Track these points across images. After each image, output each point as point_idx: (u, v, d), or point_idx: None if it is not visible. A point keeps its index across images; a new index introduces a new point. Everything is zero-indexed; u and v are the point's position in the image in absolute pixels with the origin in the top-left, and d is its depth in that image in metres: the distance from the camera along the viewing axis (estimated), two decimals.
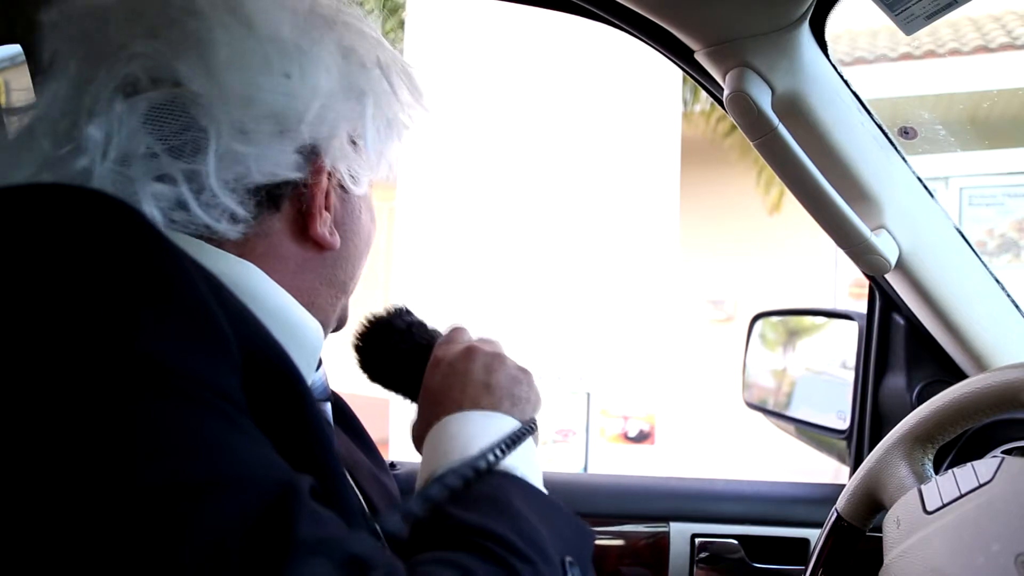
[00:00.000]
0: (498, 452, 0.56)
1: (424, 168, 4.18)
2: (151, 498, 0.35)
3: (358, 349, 0.75)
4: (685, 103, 5.61)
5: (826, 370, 1.50)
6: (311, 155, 0.60)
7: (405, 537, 0.46)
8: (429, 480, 0.59)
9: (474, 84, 4.09)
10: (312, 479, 0.41)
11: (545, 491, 0.60)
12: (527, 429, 0.63)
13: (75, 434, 0.36)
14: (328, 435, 0.49)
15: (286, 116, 0.56)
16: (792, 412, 1.53)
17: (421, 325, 0.76)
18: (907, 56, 5.04)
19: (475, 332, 0.76)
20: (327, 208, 0.63)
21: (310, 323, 0.62)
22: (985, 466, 0.68)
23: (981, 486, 0.67)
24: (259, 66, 0.55)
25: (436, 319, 0.78)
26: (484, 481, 0.54)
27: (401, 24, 4.39)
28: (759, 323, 1.58)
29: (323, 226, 0.62)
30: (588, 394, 4.05)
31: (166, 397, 0.38)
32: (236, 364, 0.43)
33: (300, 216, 0.61)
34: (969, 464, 0.70)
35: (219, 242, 0.57)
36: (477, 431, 0.61)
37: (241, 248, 0.58)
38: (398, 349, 0.74)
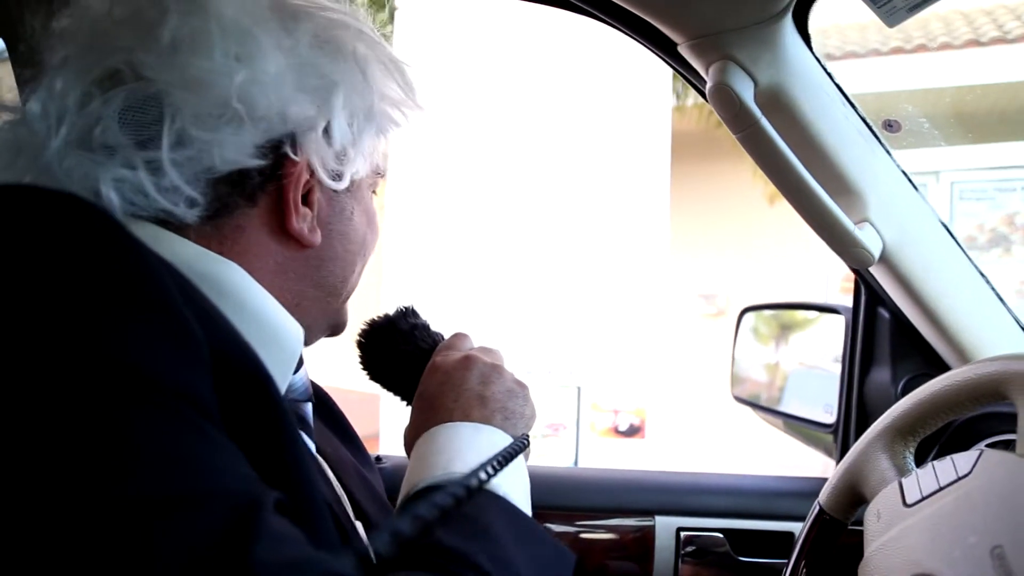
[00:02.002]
0: (489, 470, 0.55)
1: (413, 163, 4.16)
2: (108, 512, 0.34)
3: (360, 346, 0.75)
4: (678, 96, 5.59)
5: (816, 364, 1.51)
6: (279, 145, 0.58)
7: (393, 557, 0.45)
8: (411, 492, 0.58)
9: (464, 78, 4.08)
10: (278, 493, 0.40)
11: (527, 512, 0.60)
12: (520, 446, 0.62)
13: (33, 442, 0.35)
14: (299, 439, 0.48)
15: (241, 101, 0.55)
16: (780, 406, 1.53)
17: (425, 328, 0.75)
18: (898, 50, 5.05)
19: (477, 340, 0.75)
20: (309, 205, 0.62)
21: (290, 326, 0.61)
22: (964, 459, 0.68)
23: (959, 479, 0.67)
24: (207, 47, 0.55)
25: (435, 319, 0.77)
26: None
27: (391, 17, 4.37)
28: (747, 317, 1.58)
29: (301, 221, 0.61)
30: (579, 388, 4.05)
31: (132, 403, 0.37)
32: (207, 366, 0.42)
33: (277, 211, 0.60)
34: (949, 457, 0.70)
35: (198, 238, 0.57)
36: (464, 444, 0.60)
37: (220, 245, 0.58)
38: (399, 350, 0.73)
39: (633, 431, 4.11)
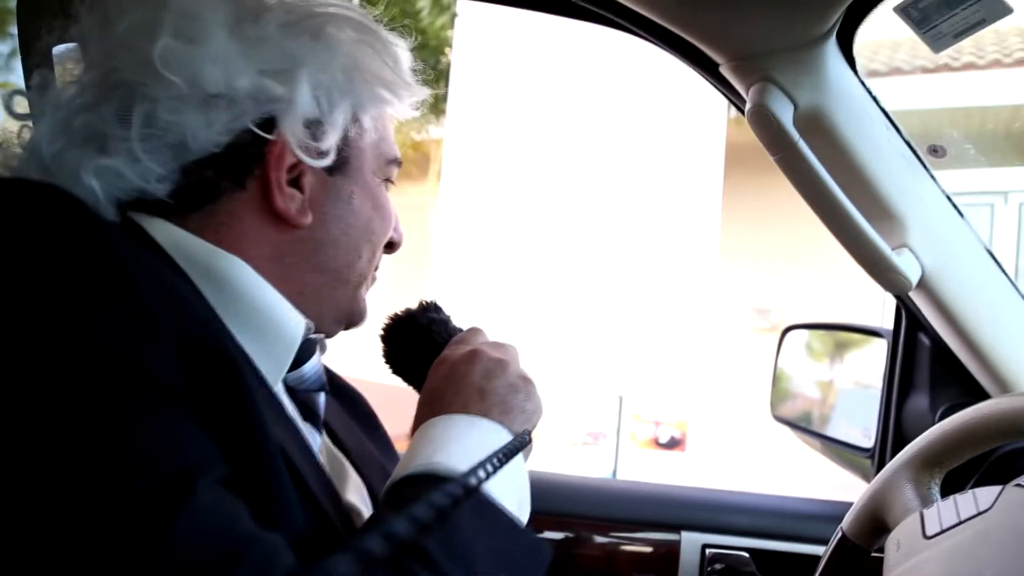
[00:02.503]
0: (488, 468, 0.53)
1: (466, 169, 4.21)
2: (47, 478, 0.38)
3: (382, 339, 0.76)
4: (739, 108, 5.51)
5: (870, 385, 1.48)
6: (251, 125, 0.60)
7: (387, 557, 0.45)
8: (393, 481, 0.59)
9: (520, 85, 4.11)
10: (226, 468, 0.43)
11: (518, 510, 0.60)
12: (519, 442, 0.61)
13: None
14: (268, 422, 0.50)
15: (194, 82, 0.57)
16: (825, 427, 1.51)
17: (443, 323, 0.76)
18: (970, 66, 4.88)
19: (491, 335, 0.75)
20: (300, 188, 0.63)
21: (290, 317, 0.63)
22: (986, 494, 0.67)
23: (979, 514, 0.66)
24: (158, 32, 0.57)
25: (469, 319, 0.78)
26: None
27: (452, 22, 4.42)
28: (791, 336, 1.57)
29: (288, 201, 0.62)
30: (620, 398, 4.02)
31: (82, 377, 0.41)
32: (170, 345, 0.46)
33: (265, 193, 0.62)
34: (971, 491, 0.69)
35: (194, 227, 0.60)
36: (455, 436, 0.61)
37: (216, 232, 0.60)
38: (415, 344, 0.75)
39: (674, 444, 4.07)
